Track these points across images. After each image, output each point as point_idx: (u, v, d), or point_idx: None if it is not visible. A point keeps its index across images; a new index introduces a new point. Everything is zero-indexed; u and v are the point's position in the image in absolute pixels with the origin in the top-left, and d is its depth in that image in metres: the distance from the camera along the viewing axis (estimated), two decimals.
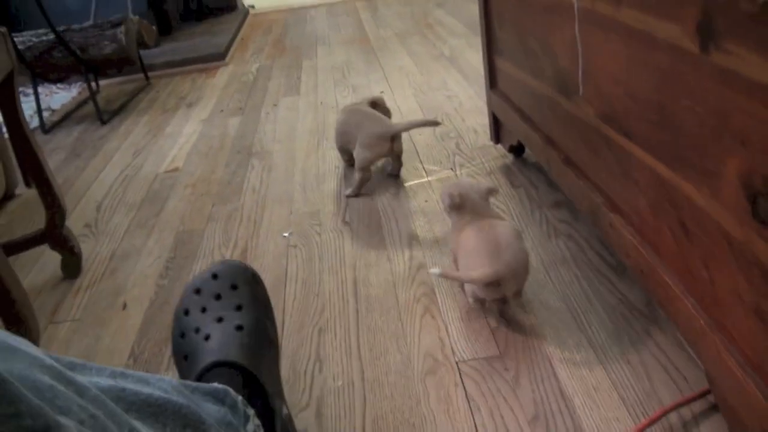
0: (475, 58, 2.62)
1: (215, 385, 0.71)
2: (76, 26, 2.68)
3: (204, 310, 0.82)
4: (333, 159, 1.84)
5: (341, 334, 1.10)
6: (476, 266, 1.01)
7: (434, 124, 1.58)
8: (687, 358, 0.93)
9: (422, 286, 1.20)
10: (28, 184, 1.40)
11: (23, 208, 1.38)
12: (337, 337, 1.10)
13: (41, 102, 2.62)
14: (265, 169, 1.85)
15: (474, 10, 3.45)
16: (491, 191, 1.15)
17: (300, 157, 1.90)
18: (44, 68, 2.59)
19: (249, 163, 1.92)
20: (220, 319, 0.81)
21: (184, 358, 0.80)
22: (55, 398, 0.48)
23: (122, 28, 2.64)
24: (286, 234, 1.46)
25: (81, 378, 0.54)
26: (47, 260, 1.50)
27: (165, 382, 0.64)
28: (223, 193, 1.74)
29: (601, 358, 0.96)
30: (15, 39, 2.51)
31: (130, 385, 0.59)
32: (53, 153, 2.28)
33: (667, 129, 0.76)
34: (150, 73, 3.12)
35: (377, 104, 1.76)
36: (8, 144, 1.33)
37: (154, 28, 3.35)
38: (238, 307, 0.83)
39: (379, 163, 1.73)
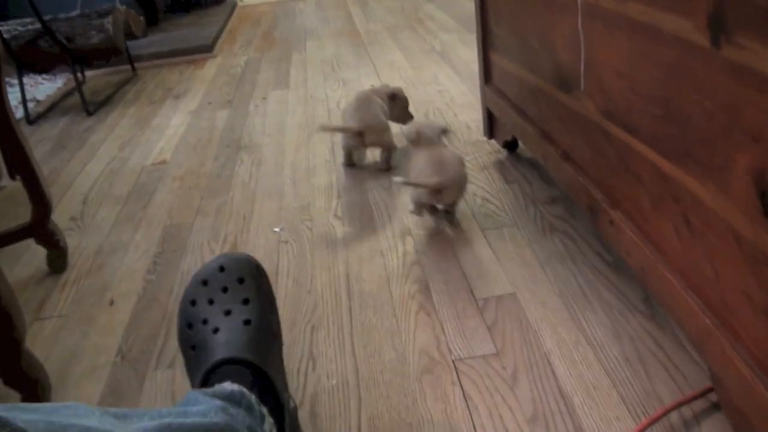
0: (466, 53, 2.60)
1: (230, 387, 0.72)
2: (62, 15, 2.64)
3: (211, 302, 0.82)
4: (323, 153, 1.81)
5: (334, 332, 1.09)
6: (426, 177, 1.29)
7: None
8: (686, 356, 0.92)
9: (416, 282, 1.18)
10: (12, 177, 1.37)
11: (8, 201, 1.36)
12: (330, 335, 1.08)
13: (26, 93, 2.57)
14: (254, 162, 1.83)
15: (464, 6, 3.44)
16: (444, 131, 1.43)
17: (290, 150, 1.87)
18: (30, 58, 2.54)
19: (238, 156, 1.89)
20: (227, 312, 0.81)
21: (191, 348, 0.81)
22: None
23: (109, 18, 2.60)
24: (276, 229, 1.44)
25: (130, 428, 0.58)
26: (33, 254, 1.46)
27: (199, 406, 0.67)
28: (212, 186, 1.71)
29: (599, 356, 0.94)
30: (0, 28, 2.47)
31: (173, 420, 0.62)
32: (38, 144, 2.24)
33: (672, 124, 0.75)
34: (137, 65, 3.08)
35: (396, 96, 1.74)
36: None
37: (141, 18, 3.30)
38: (245, 301, 0.83)
39: (369, 157, 1.72)
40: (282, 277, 1.25)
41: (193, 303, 0.83)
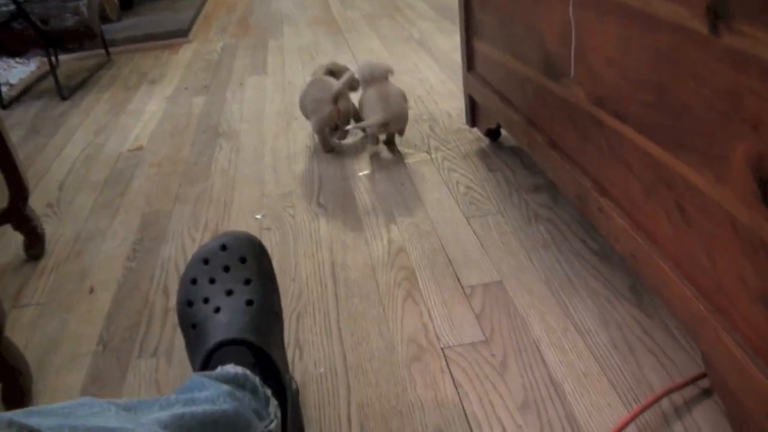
0: (444, 42, 2.59)
1: (234, 370, 0.72)
2: None
3: (213, 281, 0.82)
4: (304, 139, 1.80)
5: (320, 320, 1.08)
6: (374, 114, 1.56)
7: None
8: (675, 343, 0.92)
9: (403, 270, 1.17)
10: None
11: None
12: (316, 323, 1.07)
13: None
14: (233, 149, 1.81)
15: None
16: (389, 71, 1.65)
17: (269, 137, 1.85)
18: (3, 40, 2.49)
19: (216, 143, 1.87)
20: (229, 292, 0.81)
21: (192, 327, 0.80)
22: None
23: (84, 1, 2.55)
24: (258, 216, 1.42)
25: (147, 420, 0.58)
26: (8, 241, 1.43)
27: (206, 391, 0.67)
28: (190, 173, 1.69)
29: (588, 343, 0.95)
30: None
31: (184, 409, 0.62)
32: (12, 129, 2.19)
33: (667, 112, 0.75)
34: (111, 49, 3.02)
35: (334, 72, 1.76)
36: None
37: (116, 1, 3.25)
38: (247, 281, 0.82)
39: (353, 139, 1.71)
40: None
41: (194, 281, 0.82)
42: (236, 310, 0.79)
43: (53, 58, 2.51)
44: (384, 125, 1.57)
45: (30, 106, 2.44)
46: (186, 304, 0.81)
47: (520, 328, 1.00)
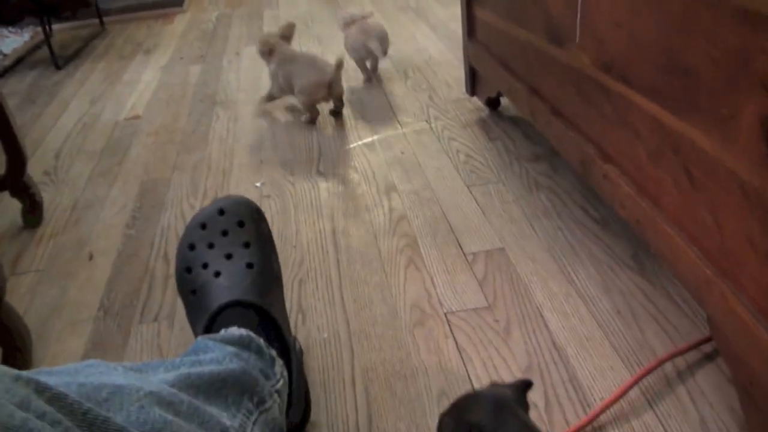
0: (441, 11, 2.57)
1: (238, 332, 0.71)
2: None
3: (211, 246, 0.81)
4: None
5: (323, 285, 1.07)
6: (358, 45, 1.85)
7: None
8: (677, 310, 0.93)
9: (404, 237, 1.17)
10: None
11: None
12: (318, 288, 1.07)
13: None
14: (231, 118, 1.79)
15: None
16: (366, 15, 1.89)
17: (266, 106, 1.84)
18: None
19: (213, 112, 1.85)
20: (229, 256, 0.80)
21: (191, 293, 0.80)
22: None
23: None
24: (258, 184, 1.42)
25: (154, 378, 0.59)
26: (5, 208, 1.42)
27: (211, 353, 0.67)
28: (188, 142, 1.68)
29: (591, 309, 0.95)
30: None
31: (190, 370, 0.62)
32: (7, 98, 2.14)
33: (675, 75, 0.74)
34: (105, 19, 2.98)
35: (286, 36, 1.77)
36: None
37: None
38: (246, 244, 0.81)
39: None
40: None
41: (192, 247, 0.81)
42: (237, 274, 0.78)
43: (47, 27, 2.47)
44: (369, 51, 1.83)
45: (25, 76, 2.41)
46: (185, 271, 0.81)
47: (522, 294, 1.00)
